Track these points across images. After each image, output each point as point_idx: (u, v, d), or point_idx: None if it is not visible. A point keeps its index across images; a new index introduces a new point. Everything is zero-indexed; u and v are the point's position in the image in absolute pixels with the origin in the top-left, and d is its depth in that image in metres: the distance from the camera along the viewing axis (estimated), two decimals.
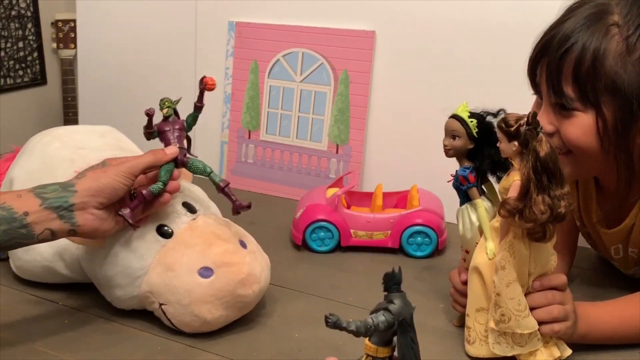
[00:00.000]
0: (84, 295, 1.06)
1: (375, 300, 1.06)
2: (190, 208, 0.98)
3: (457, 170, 0.90)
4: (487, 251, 0.85)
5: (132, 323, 0.98)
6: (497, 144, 0.82)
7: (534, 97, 0.96)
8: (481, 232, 0.88)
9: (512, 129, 0.78)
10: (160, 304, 0.94)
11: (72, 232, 0.87)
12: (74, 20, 2.04)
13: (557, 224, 0.79)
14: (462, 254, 0.94)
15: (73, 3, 2.10)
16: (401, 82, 1.44)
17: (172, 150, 0.95)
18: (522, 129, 0.77)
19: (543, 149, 0.77)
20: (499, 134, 0.81)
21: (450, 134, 0.88)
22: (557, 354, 0.86)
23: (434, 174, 1.36)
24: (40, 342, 0.93)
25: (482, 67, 1.36)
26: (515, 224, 0.79)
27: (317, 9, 1.51)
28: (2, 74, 1.97)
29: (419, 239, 1.21)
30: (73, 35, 2.04)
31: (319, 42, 1.50)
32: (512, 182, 0.80)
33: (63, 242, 0.98)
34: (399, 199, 1.30)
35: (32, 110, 2.08)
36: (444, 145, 0.89)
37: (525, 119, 0.78)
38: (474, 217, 0.89)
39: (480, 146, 0.88)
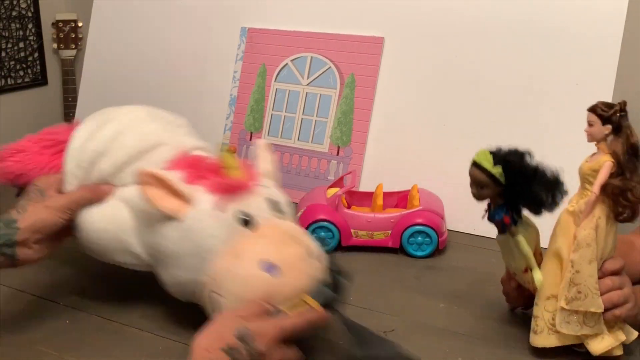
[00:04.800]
0: (85, 295, 1.06)
1: (376, 299, 1.06)
2: (275, 206, 0.94)
3: (489, 207, 0.88)
4: (536, 281, 0.88)
5: (134, 323, 0.98)
6: (586, 129, 0.84)
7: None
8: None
9: (610, 112, 0.82)
10: (215, 292, 0.88)
11: (9, 265, 0.90)
12: (75, 21, 2.04)
13: None
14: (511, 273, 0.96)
15: (74, 3, 2.11)
16: (406, 85, 1.44)
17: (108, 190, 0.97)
18: (617, 114, 0.82)
19: (633, 135, 0.82)
20: (592, 117, 0.83)
21: (476, 184, 0.86)
22: (622, 337, 0.87)
23: (434, 173, 1.37)
24: (41, 342, 0.93)
25: (486, 75, 1.36)
26: (619, 203, 0.82)
27: (329, 16, 1.53)
28: (2, 74, 1.97)
29: (419, 238, 1.21)
30: (74, 36, 2.05)
31: (328, 47, 1.52)
32: (602, 163, 0.83)
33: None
34: (400, 198, 1.30)
35: (32, 110, 2.08)
36: (472, 194, 0.87)
37: (618, 106, 0.82)
38: (516, 251, 0.89)
39: (511, 186, 0.85)
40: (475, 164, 0.85)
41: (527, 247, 0.88)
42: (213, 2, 1.66)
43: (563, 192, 0.85)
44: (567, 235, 0.87)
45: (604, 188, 0.83)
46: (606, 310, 0.86)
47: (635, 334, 0.89)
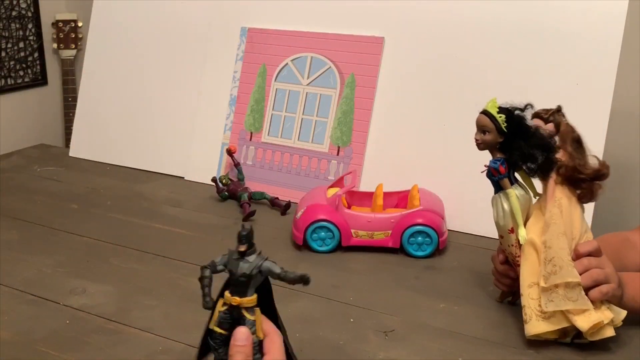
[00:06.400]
0: (85, 295, 1.06)
1: (376, 299, 1.06)
2: None
3: (489, 161, 0.94)
4: (519, 237, 0.92)
5: (134, 323, 0.98)
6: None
7: (539, 103, 0.98)
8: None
9: (548, 114, 0.92)
10: None
11: None
12: (75, 21, 2.04)
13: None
14: (499, 239, 0.99)
15: (74, 3, 2.11)
16: (406, 85, 1.45)
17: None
18: (556, 115, 0.92)
19: (574, 130, 0.91)
20: (537, 121, 0.91)
21: (480, 129, 0.92)
22: (609, 314, 0.89)
23: (434, 173, 1.37)
24: (41, 342, 0.93)
25: (487, 75, 1.36)
26: (577, 180, 0.90)
27: (329, 16, 1.53)
28: (2, 74, 1.97)
29: (419, 238, 1.21)
30: (74, 36, 2.05)
31: (328, 47, 1.52)
32: None
33: None
34: (400, 198, 1.30)
35: (32, 110, 2.08)
36: (475, 140, 0.93)
37: (555, 108, 0.92)
38: (506, 206, 0.94)
39: (510, 139, 0.92)
40: (483, 111, 0.92)
41: (517, 203, 0.93)
42: (213, 2, 1.66)
43: (556, 160, 0.91)
44: (539, 224, 0.91)
45: (558, 171, 0.90)
46: (590, 288, 0.88)
47: (623, 312, 0.90)
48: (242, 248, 0.68)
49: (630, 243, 1.07)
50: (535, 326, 0.90)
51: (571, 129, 0.91)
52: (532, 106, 0.92)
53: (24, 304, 1.04)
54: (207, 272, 0.70)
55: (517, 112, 0.92)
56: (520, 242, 0.93)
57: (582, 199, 0.92)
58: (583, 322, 0.88)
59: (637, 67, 1.48)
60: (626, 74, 1.36)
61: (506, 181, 0.93)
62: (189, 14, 1.69)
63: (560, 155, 0.90)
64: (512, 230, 0.94)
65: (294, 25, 1.56)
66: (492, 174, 0.93)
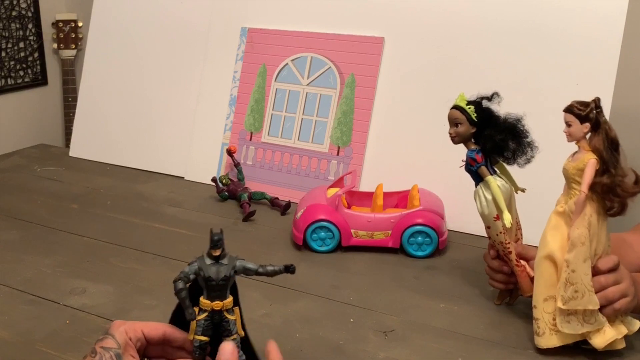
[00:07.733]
0: (85, 295, 1.06)
1: (376, 299, 1.07)
2: None
3: (466, 153, 0.95)
4: (504, 221, 0.92)
5: None
6: (565, 130, 0.85)
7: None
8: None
9: (586, 111, 0.82)
10: None
11: None
12: (75, 21, 2.05)
13: None
14: (486, 231, 0.99)
15: (74, 3, 2.11)
16: (406, 86, 1.45)
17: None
18: (594, 112, 0.83)
19: (612, 129, 0.83)
20: (570, 118, 0.84)
21: (453, 122, 0.94)
22: (624, 330, 0.88)
23: (434, 173, 1.37)
24: (41, 342, 0.93)
25: (486, 75, 1.36)
26: (609, 199, 0.84)
27: (329, 16, 1.54)
28: (3, 74, 1.97)
29: (419, 238, 1.21)
30: (74, 36, 2.05)
31: (328, 47, 1.53)
32: (587, 161, 0.83)
33: None
34: (400, 198, 1.30)
35: (32, 110, 2.08)
36: (450, 134, 0.95)
37: (593, 103, 0.83)
38: (488, 194, 0.94)
39: (481, 128, 0.94)
40: (453, 106, 0.94)
41: (498, 189, 0.93)
42: (213, 2, 1.66)
43: (529, 144, 0.91)
44: (559, 236, 0.88)
45: (593, 186, 0.84)
46: (604, 306, 0.86)
47: (637, 324, 0.90)
48: (217, 252, 0.68)
49: (627, 244, 1.06)
50: (549, 340, 0.89)
51: (608, 128, 0.83)
52: (498, 94, 0.93)
53: (24, 304, 1.04)
54: (182, 284, 0.69)
55: (484, 101, 0.94)
56: (507, 226, 0.93)
57: (611, 212, 0.86)
58: (598, 341, 0.87)
59: (637, 67, 1.48)
60: (626, 74, 1.36)
61: (484, 169, 0.94)
62: (188, 14, 1.70)
63: (593, 163, 0.83)
64: (497, 218, 0.95)
65: (294, 25, 1.57)
66: (469, 164, 0.95)
